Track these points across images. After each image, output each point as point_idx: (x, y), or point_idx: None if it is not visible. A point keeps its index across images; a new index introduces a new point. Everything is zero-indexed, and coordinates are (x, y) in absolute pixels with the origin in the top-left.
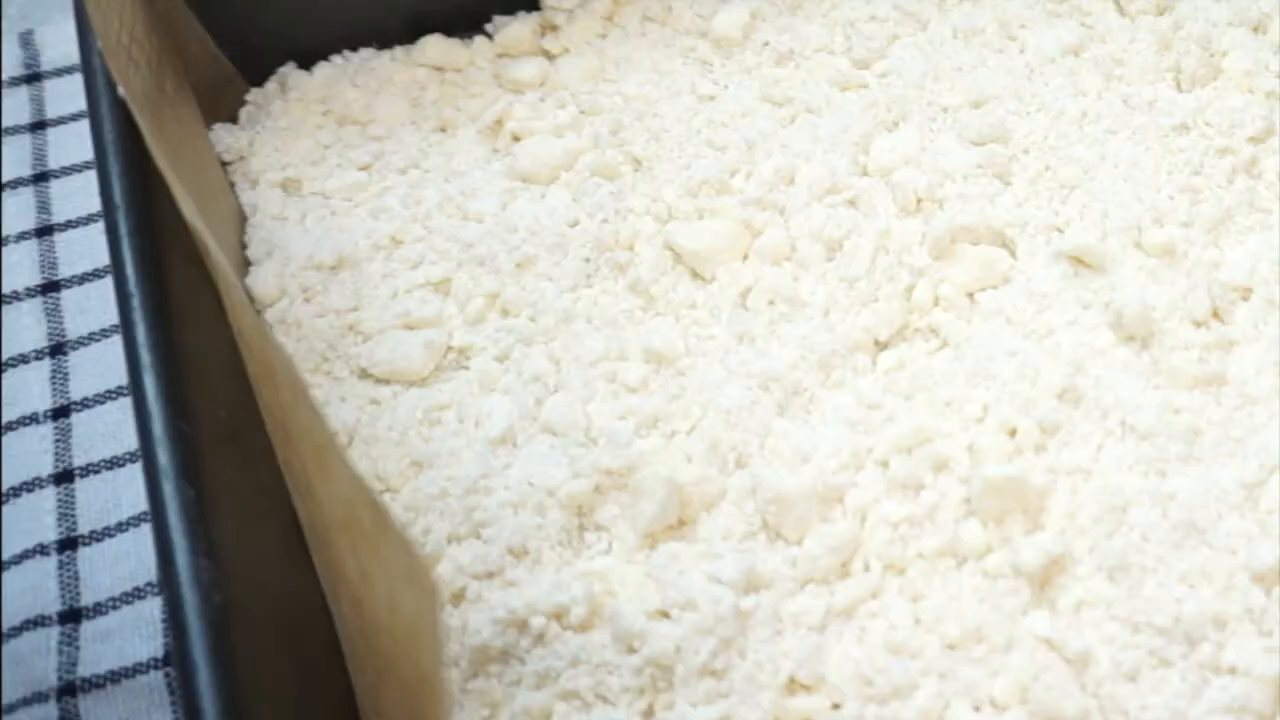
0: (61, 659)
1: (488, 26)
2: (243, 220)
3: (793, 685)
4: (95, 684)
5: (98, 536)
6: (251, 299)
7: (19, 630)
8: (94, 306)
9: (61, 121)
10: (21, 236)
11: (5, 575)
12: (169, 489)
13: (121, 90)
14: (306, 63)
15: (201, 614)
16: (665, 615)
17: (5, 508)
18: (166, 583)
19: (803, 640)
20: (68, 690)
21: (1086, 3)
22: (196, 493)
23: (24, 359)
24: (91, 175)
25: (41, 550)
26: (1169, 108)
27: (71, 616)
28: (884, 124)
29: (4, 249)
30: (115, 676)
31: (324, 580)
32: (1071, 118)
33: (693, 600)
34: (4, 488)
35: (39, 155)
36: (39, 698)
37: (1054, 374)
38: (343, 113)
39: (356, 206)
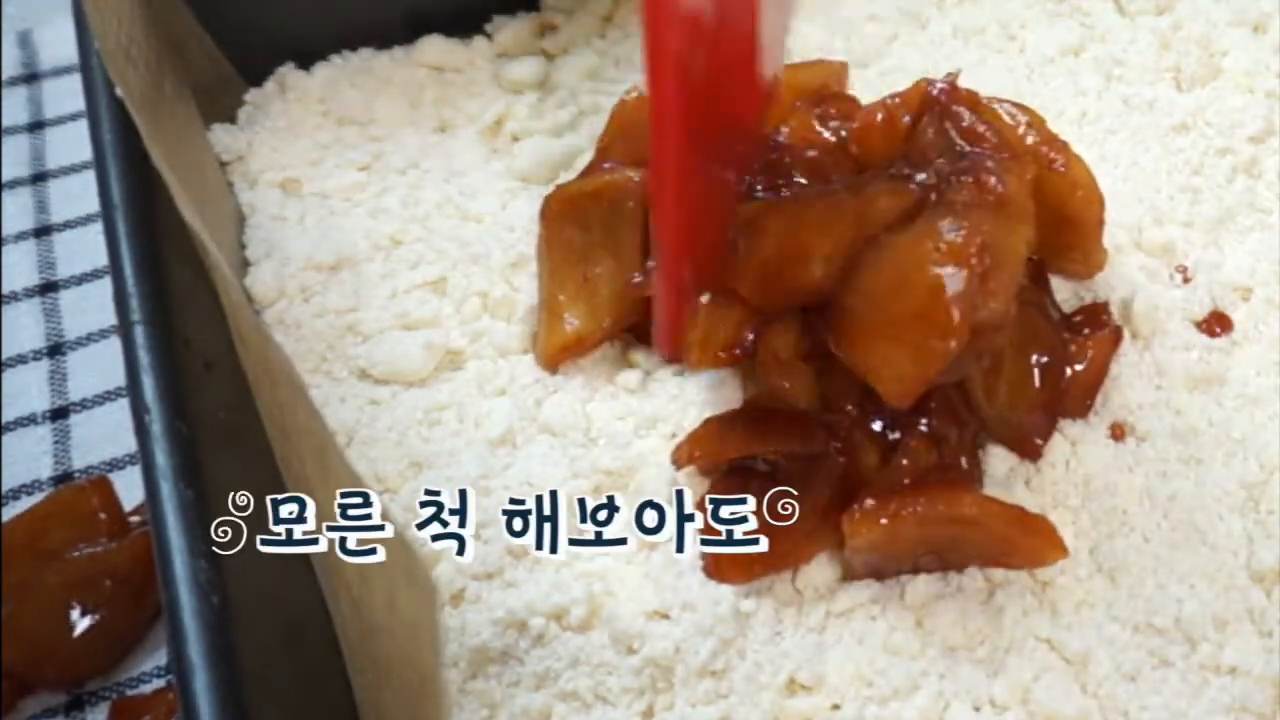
0: None
1: (487, 26)
2: (241, 220)
3: (793, 685)
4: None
5: None
6: (250, 299)
7: None
8: (92, 307)
9: (60, 122)
10: (20, 237)
11: None
12: (168, 489)
13: (120, 90)
14: (306, 63)
15: (200, 615)
16: (665, 616)
17: (4, 510)
18: (165, 583)
19: (803, 640)
20: None
21: (1086, 3)
22: (196, 493)
23: (22, 359)
24: (90, 175)
25: None
26: (1169, 108)
27: None
28: None
29: (2, 249)
30: None
31: (324, 580)
32: (1071, 118)
33: (692, 601)
34: (3, 490)
35: (37, 155)
36: None
37: None
38: (342, 113)
39: (356, 207)
